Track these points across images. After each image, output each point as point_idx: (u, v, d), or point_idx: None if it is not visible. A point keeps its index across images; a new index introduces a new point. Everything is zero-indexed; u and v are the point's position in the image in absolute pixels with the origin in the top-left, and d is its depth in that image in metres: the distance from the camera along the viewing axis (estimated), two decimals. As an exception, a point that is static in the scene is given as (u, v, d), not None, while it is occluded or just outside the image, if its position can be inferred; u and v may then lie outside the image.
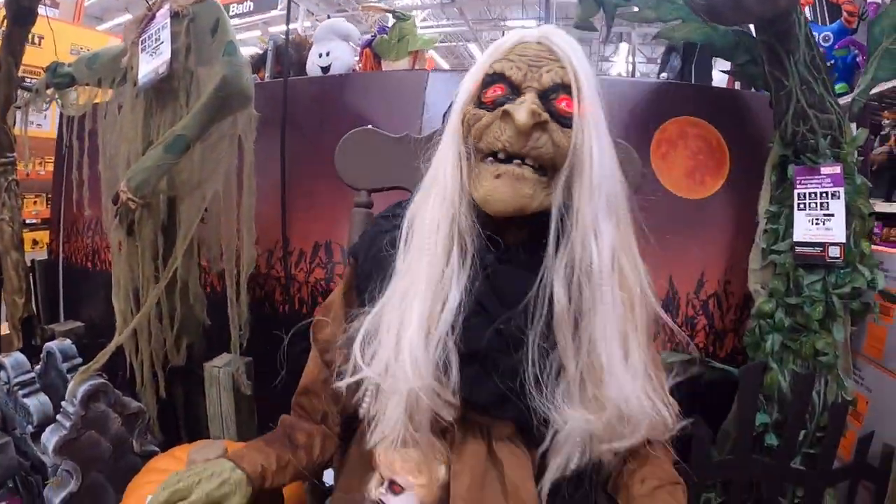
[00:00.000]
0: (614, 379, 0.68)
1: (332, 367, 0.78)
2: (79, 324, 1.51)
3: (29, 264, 1.68)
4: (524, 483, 0.70)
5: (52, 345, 1.28)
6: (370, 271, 0.77)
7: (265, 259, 1.66)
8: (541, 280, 0.69)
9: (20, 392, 1.19)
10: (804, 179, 1.28)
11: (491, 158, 0.70)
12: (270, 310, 1.67)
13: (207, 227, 1.46)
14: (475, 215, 0.72)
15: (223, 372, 1.35)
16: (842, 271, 1.23)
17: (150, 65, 1.34)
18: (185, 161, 1.35)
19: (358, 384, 0.72)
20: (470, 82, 0.73)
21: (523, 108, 0.65)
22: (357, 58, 1.91)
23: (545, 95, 0.69)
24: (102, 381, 1.22)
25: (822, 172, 1.27)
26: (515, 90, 0.69)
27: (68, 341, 1.31)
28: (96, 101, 1.50)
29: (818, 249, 1.24)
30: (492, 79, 0.71)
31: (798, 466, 1.20)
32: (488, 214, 0.71)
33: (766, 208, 1.36)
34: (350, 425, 0.86)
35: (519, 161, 0.68)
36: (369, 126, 1.09)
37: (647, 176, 0.98)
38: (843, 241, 1.21)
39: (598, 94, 0.71)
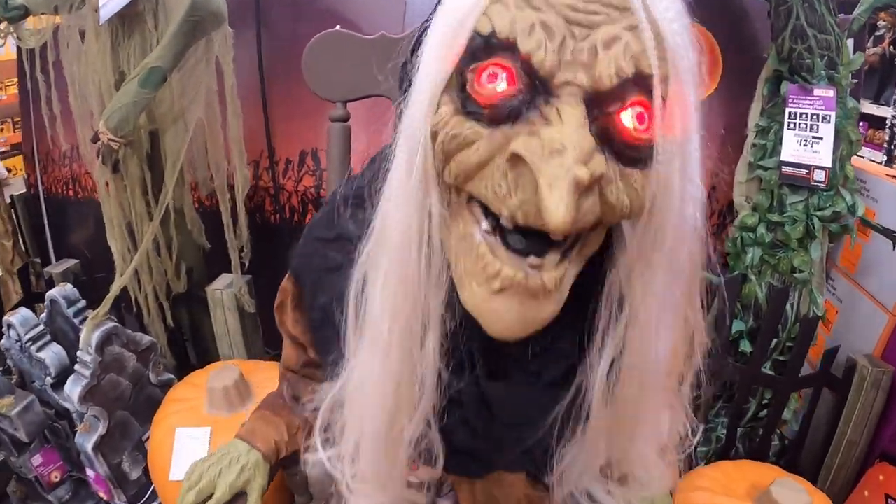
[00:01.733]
0: (644, 465, 0.55)
1: (308, 355, 0.72)
2: (73, 261, 1.51)
3: (8, 200, 1.63)
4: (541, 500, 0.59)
5: (53, 293, 1.29)
6: (317, 314, 0.62)
7: (252, 170, 1.63)
8: (573, 397, 0.50)
9: (33, 347, 1.22)
10: (797, 99, 1.28)
11: (486, 222, 0.41)
12: (261, 220, 1.67)
13: (194, 148, 1.43)
14: (452, 304, 0.46)
15: (226, 294, 1.38)
16: (824, 193, 1.27)
17: (111, -11, 1.23)
18: (164, 91, 1.29)
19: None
20: (440, 48, 0.41)
21: (558, 194, 0.35)
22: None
23: (600, 102, 0.38)
24: (113, 324, 1.25)
25: (815, 94, 1.27)
26: (541, 85, 0.38)
27: (69, 286, 1.33)
28: (56, 26, 1.38)
29: (804, 171, 1.27)
30: (489, 46, 0.39)
31: (768, 372, 1.32)
32: None
33: (756, 122, 1.37)
34: None
35: (535, 257, 0.40)
36: (338, 27, 0.97)
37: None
38: (829, 165, 1.25)
39: (696, 77, 0.41)
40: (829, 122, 1.26)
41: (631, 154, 0.39)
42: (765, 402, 1.37)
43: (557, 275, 0.41)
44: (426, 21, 0.45)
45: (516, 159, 0.37)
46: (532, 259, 0.40)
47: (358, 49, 0.96)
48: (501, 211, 0.39)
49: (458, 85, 0.40)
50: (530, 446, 0.53)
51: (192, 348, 1.58)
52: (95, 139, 1.24)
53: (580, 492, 0.55)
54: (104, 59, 1.30)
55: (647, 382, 0.48)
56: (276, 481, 1.18)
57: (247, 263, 1.43)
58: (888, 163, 2.27)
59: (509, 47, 0.38)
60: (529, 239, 0.40)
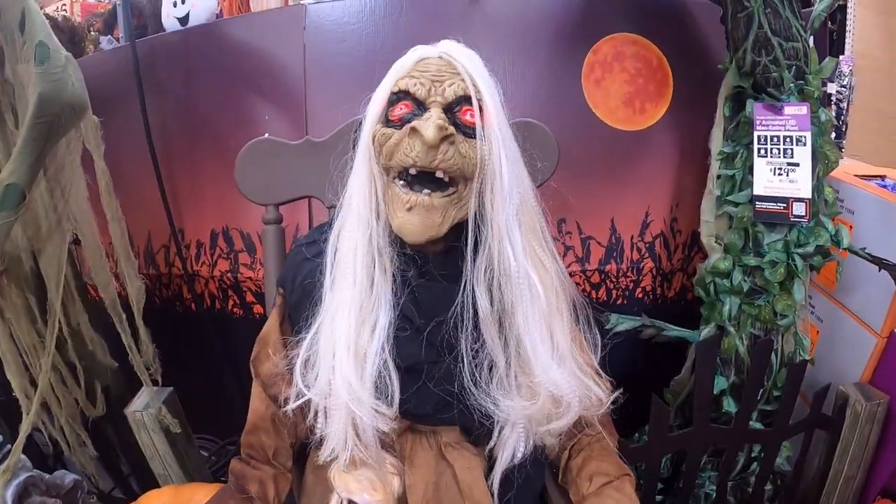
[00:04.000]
0: (541, 366, 0.72)
1: (277, 401, 0.79)
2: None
3: None
4: (476, 482, 0.75)
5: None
6: (299, 301, 0.79)
7: (163, 256, 1.45)
8: (463, 288, 0.72)
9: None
10: (766, 120, 1.10)
11: (402, 182, 0.71)
12: (182, 309, 1.51)
13: (86, 249, 1.25)
14: (392, 234, 0.73)
15: (146, 416, 1.23)
16: (804, 227, 1.11)
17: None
18: (33, 206, 1.11)
19: (305, 408, 0.75)
20: (376, 103, 0.74)
21: (430, 124, 0.66)
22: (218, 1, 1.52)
23: (450, 109, 0.70)
24: (28, 474, 1.13)
25: (785, 112, 1.08)
26: (421, 106, 0.71)
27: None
28: None
29: (781, 206, 1.10)
30: (397, 97, 0.72)
31: (755, 425, 1.20)
32: None
33: (720, 149, 1.19)
34: (304, 451, 0.87)
35: (428, 191, 0.69)
36: (266, 135, 1.00)
37: (559, 153, 0.96)
38: (809, 195, 1.08)
39: (501, 104, 0.73)
40: (804, 143, 1.08)
41: (467, 132, 0.70)
42: (754, 453, 1.25)
43: (441, 201, 0.70)
44: (360, 118, 0.75)
45: (412, 131, 0.68)
46: (425, 191, 0.70)
47: (285, 153, 1.00)
48: (407, 162, 0.68)
49: (384, 116, 0.72)
50: (456, 394, 0.73)
51: (131, 469, 1.44)
52: (-38, 278, 1.07)
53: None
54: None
55: (511, 275, 0.71)
56: None
57: (159, 379, 1.28)
58: (836, 138, 2.09)
59: (406, 94, 0.71)
60: (427, 185, 0.70)
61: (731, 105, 1.15)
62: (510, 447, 0.75)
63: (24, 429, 1.14)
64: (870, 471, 1.24)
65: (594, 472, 0.79)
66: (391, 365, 0.71)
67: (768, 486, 1.29)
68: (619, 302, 1.35)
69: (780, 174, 1.10)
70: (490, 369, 0.73)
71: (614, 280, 1.35)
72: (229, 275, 1.36)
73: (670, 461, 1.31)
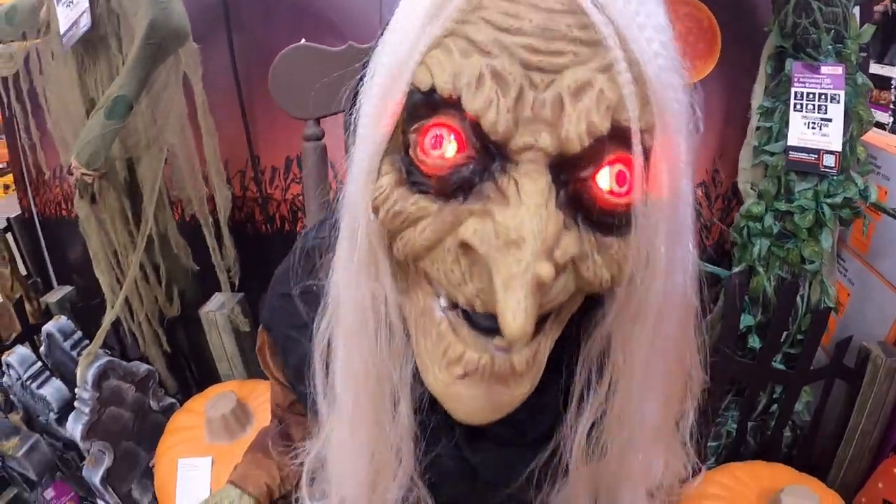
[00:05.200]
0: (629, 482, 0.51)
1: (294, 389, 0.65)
2: (68, 289, 1.50)
3: (5, 223, 1.63)
4: None
5: (49, 327, 1.29)
6: (290, 372, 0.60)
7: (238, 180, 1.59)
8: (550, 455, 0.47)
9: (33, 385, 1.23)
10: (803, 77, 1.19)
11: (446, 304, 0.37)
12: (253, 231, 1.63)
13: (174, 170, 1.39)
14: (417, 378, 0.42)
15: (219, 316, 1.37)
16: (834, 179, 1.19)
17: (69, 17, 1.18)
18: (135, 119, 1.25)
19: None
20: (382, 92, 0.36)
21: (515, 298, 0.30)
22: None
23: (570, 166, 0.33)
24: (108, 358, 1.26)
25: (822, 72, 1.17)
26: (495, 148, 0.33)
27: (63, 318, 1.33)
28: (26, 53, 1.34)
29: (812, 157, 1.19)
30: (431, 103, 0.34)
31: (778, 366, 1.27)
32: None
33: (760, 103, 1.28)
34: None
35: (504, 339, 0.32)
36: (303, 41, 0.92)
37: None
38: (839, 149, 1.16)
39: (687, 122, 0.37)
40: (838, 101, 1.16)
41: (610, 221, 0.34)
42: (775, 395, 1.32)
43: (529, 353, 0.37)
44: (365, 62, 0.41)
45: (467, 249, 0.34)
46: (499, 339, 0.35)
47: (325, 62, 0.91)
48: (458, 298, 0.35)
49: (402, 147, 0.36)
50: (514, 495, 0.52)
51: (195, 369, 1.58)
52: (70, 172, 1.21)
53: None
54: (72, 87, 1.26)
55: (632, 442, 0.46)
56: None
57: (236, 283, 1.41)
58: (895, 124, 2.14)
59: (454, 105, 0.33)
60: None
61: (773, 64, 1.24)
62: None
63: (108, 319, 1.28)
64: (887, 428, 1.29)
65: None
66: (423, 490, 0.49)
67: (787, 434, 1.35)
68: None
69: (813, 128, 1.18)
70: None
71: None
72: (300, 198, 1.49)
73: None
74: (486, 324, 0.35)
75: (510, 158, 0.33)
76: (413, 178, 0.35)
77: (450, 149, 0.33)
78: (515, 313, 0.30)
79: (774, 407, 1.33)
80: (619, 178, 0.33)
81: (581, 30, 0.32)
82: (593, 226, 0.34)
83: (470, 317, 0.36)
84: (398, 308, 0.41)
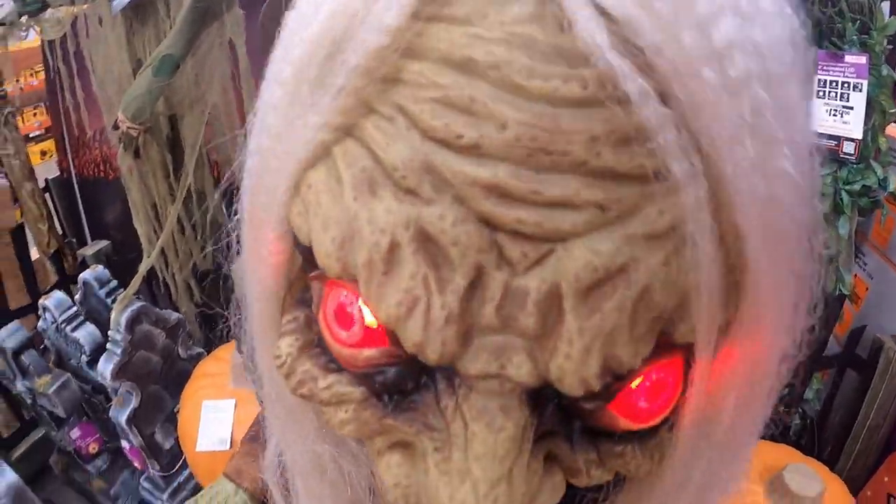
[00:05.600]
0: None
1: None
2: (105, 243, 1.57)
3: (43, 184, 1.71)
4: None
5: (86, 275, 1.35)
6: None
7: None
8: None
9: (68, 328, 1.29)
10: (826, 65, 1.22)
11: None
12: None
13: (214, 128, 1.46)
14: None
15: (249, 273, 1.42)
16: (854, 166, 1.22)
17: (122, -21, 1.25)
18: (179, 78, 1.31)
19: None
20: (254, 216, 0.25)
21: None
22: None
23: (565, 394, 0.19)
24: (141, 304, 1.31)
25: (845, 61, 1.20)
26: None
27: (100, 268, 1.39)
28: (74, 16, 1.42)
29: (832, 143, 1.22)
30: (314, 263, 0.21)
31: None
32: None
33: (784, 92, 1.32)
34: None
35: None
36: None
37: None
38: (860, 137, 1.19)
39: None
40: (860, 90, 1.19)
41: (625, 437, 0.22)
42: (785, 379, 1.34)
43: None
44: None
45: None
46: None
47: None
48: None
49: (304, 292, 0.24)
50: None
51: (222, 322, 1.64)
52: (116, 127, 1.28)
53: None
54: (120, 48, 1.34)
55: None
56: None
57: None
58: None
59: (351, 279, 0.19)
60: None
61: (797, 53, 1.27)
62: None
63: (144, 266, 1.33)
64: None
65: None
66: None
67: (797, 422, 1.37)
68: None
69: (834, 115, 1.21)
70: None
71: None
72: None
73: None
74: None
75: (463, 379, 0.19)
76: (321, 345, 0.22)
77: (362, 334, 0.20)
78: None
79: (785, 392, 1.35)
80: (654, 391, 0.20)
81: (617, 147, 0.17)
82: (596, 435, 0.21)
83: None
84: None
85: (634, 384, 0.20)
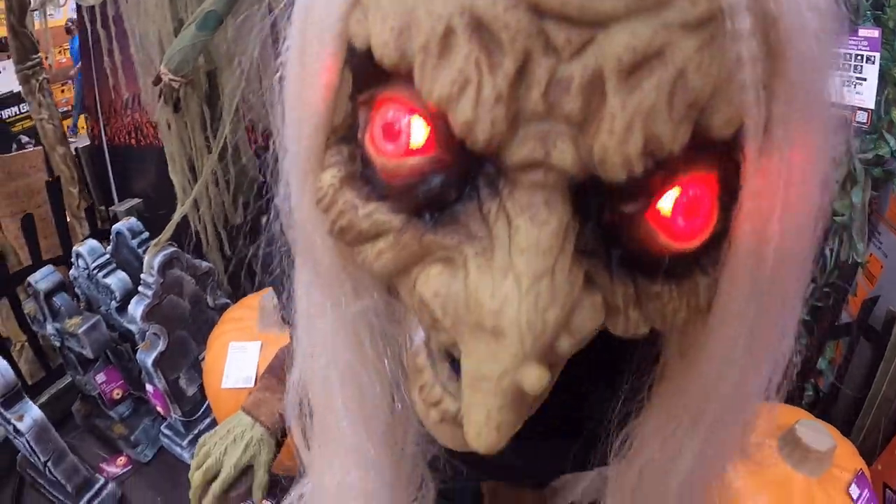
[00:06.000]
0: None
1: None
2: (137, 200, 1.62)
3: (74, 153, 1.76)
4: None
5: (119, 225, 1.40)
6: None
7: None
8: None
9: (100, 274, 1.33)
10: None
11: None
12: None
13: (250, 88, 1.51)
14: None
15: (279, 224, 1.47)
16: (867, 136, 1.26)
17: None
18: (220, 35, 1.37)
19: None
20: (309, 43, 0.25)
21: (482, 414, 0.22)
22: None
23: (604, 191, 0.21)
24: (174, 249, 1.35)
25: (859, 34, 1.25)
26: (481, 163, 0.21)
27: (133, 219, 1.43)
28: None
29: (846, 112, 1.26)
30: (377, 71, 0.21)
31: (804, 317, 1.32)
32: None
33: (799, 66, 1.37)
34: None
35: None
36: None
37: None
38: (872, 107, 1.24)
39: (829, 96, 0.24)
40: (873, 62, 1.25)
41: (663, 263, 0.22)
42: (800, 348, 1.36)
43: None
44: None
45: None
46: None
47: None
48: (430, 341, 0.26)
49: (350, 125, 0.24)
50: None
51: (250, 277, 1.68)
52: (157, 81, 1.33)
53: None
54: (163, 9, 1.40)
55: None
56: (287, 450, 1.26)
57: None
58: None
59: (408, 78, 0.20)
60: None
61: (813, 28, 1.33)
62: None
63: (178, 213, 1.38)
64: (908, 399, 1.31)
65: None
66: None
67: (809, 392, 1.39)
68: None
69: (848, 85, 1.27)
70: None
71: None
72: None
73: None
74: None
75: (504, 173, 0.21)
76: (366, 172, 0.24)
77: (410, 142, 0.21)
78: (481, 429, 0.21)
79: (797, 360, 1.37)
80: (691, 209, 0.21)
81: None
82: (634, 267, 0.22)
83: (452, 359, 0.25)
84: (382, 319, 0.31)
85: (669, 195, 0.21)
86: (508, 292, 0.20)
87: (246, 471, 0.72)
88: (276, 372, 0.78)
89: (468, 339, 0.21)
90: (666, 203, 0.21)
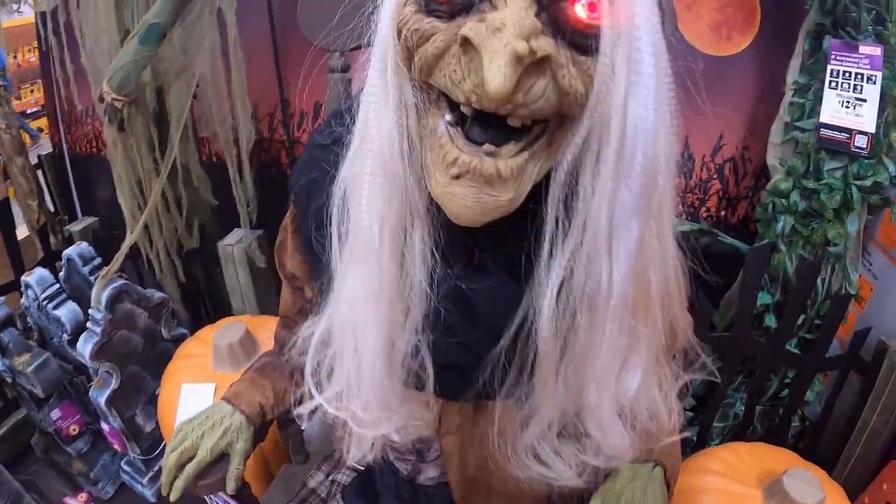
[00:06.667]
0: (598, 422, 0.53)
1: (305, 296, 0.73)
2: (92, 220, 1.54)
3: (36, 161, 1.67)
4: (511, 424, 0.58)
5: (70, 252, 1.32)
6: (311, 223, 0.60)
7: (267, 123, 1.60)
8: (524, 305, 0.49)
9: (49, 305, 1.25)
10: (840, 55, 1.17)
11: (448, 118, 0.44)
12: (277, 173, 1.64)
13: (202, 102, 1.42)
14: (432, 200, 0.47)
15: (236, 249, 1.39)
16: (866, 161, 1.17)
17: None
18: (166, 48, 1.27)
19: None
20: None
21: (496, 62, 0.37)
22: None
23: None
24: (124, 282, 1.28)
25: (860, 51, 1.15)
26: None
27: (85, 244, 1.35)
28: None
29: (844, 136, 1.16)
30: None
31: (793, 350, 1.25)
32: None
33: (795, 79, 1.26)
34: None
35: (492, 145, 0.43)
36: None
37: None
38: (872, 130, 1.14)
39: None
40: (874, 82, 1.14)
41: (583, 42, 0.40)
42: (787, 380, 1.30)
43: (514, 164, 0.43)
44: None
45: (466, 43, 0.40)
46: (487, 146, 0.43)
47: None
48: (458, 96, 0.42)
49: None
50: (501, 374, 0.53)
51: (209, 303, 1.61)
52: (101, 99, 1.24)
53: (528, 450, 0.56)
54: (109, 17, 1.29)
55: (598, 308, 0.46)
56: (271, 443, 1.20)
57: (254, 218, 1.42)
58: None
59: None
60: (491, 131, 0.43)
61: (812, 41, 1.21)
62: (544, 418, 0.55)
63: (127, 242, 1.30)
64: (896, 431, 1.26)
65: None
66: (426, 354, 0.53)
67: (795, 424, 1.33)
68: (682, 218, 1.43)
69: (847, 107, 1.16)
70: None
71: (681, 196, 1.42)
72: (329, 143, 1.50)
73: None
74: (478, 137, 0.43)
75: None
76: (429, 6, 0.42)
77: None
78: (496, 75, 0.37)
79: (785, 393, 1.31)
80: (591, 7, 0.39)
81: None
82: (571, 45, 0.40)
83: (468, 132, 0.44)
84: (416, 127, 0.46)
85: (581, 4, 0.39)
86: (506, 13, 0.38)
87: (221, 458, 0.73)
88: (258, 368, 0.81)
89: (486, 42, 0.38)
90: (580, 6, 0.39)
